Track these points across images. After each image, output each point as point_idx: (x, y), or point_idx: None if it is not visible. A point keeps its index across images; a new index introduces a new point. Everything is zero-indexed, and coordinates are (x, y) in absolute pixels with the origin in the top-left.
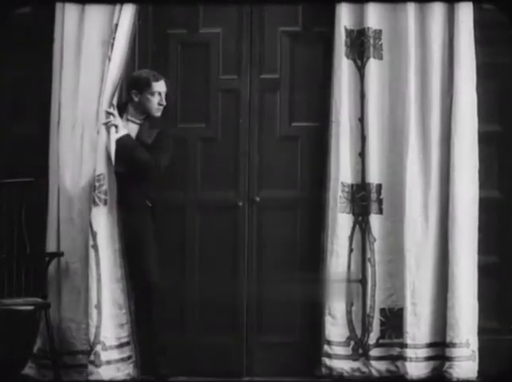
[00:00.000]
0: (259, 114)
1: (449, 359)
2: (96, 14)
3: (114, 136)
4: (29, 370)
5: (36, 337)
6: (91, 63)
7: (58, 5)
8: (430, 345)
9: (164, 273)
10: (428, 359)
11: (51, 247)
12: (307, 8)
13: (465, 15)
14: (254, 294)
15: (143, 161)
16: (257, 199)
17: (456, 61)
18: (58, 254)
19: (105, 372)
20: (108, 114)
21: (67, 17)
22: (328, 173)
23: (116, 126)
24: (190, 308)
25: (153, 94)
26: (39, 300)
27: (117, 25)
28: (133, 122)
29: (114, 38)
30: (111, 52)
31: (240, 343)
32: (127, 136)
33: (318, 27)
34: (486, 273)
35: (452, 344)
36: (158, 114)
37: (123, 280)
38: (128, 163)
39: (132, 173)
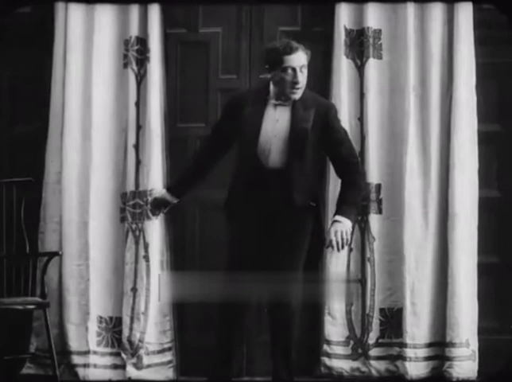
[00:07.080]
0: None
1: (449, 359)
2: (108, 15)
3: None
4: (27, 370)
5: (30, 336)
6: (104, 70)
7: (60, 5)
8: (430, 345)
9: None
10: (427, 359)
11: (50, 247)
12: (306, 8)
13: (465, 15)
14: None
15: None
16: None
17: (456, 61)
18: (57, 253)
19: (145, 374)
20: None
21: (72, 18)
22: (328, 173)
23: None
24: (190, 308)
25: (284, 70)
26: (38, 299)
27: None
28: (281, 105)
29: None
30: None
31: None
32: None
33: (317, 27)
34: (486, 273)
35: (452, 344)
36: (294, 96)
37: None
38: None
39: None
